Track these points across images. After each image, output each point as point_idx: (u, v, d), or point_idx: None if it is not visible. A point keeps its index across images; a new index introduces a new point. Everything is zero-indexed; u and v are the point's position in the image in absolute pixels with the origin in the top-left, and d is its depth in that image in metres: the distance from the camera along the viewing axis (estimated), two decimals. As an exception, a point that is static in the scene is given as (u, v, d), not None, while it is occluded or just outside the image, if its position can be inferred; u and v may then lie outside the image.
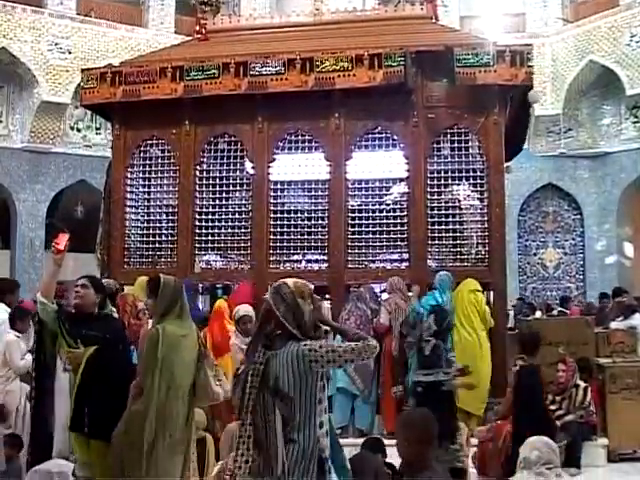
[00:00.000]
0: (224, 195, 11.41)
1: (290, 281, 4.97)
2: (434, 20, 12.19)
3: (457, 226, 10.85)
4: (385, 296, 10.38)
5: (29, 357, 8.60)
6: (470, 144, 10.92)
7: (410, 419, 4.64)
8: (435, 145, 10.93)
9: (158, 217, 11.76)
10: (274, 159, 11.23)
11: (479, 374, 9.73)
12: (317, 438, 4.61)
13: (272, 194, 11.23)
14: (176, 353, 5.85)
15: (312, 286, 5.03)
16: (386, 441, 8.24)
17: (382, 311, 9.93)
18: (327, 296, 10.90)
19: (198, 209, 11.36)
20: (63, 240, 6.73)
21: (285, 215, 11.20)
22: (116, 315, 7.24)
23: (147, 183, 11.77)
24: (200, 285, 11.21)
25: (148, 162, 11.72)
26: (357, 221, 10.93)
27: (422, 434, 4.42)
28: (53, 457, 6.39)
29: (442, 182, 10.86)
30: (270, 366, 4.65)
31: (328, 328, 4.95)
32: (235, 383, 4.85)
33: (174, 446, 5.82)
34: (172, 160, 11.55)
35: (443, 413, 7.60)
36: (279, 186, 11.35)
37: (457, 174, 10.89)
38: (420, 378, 8.36)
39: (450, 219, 10.80)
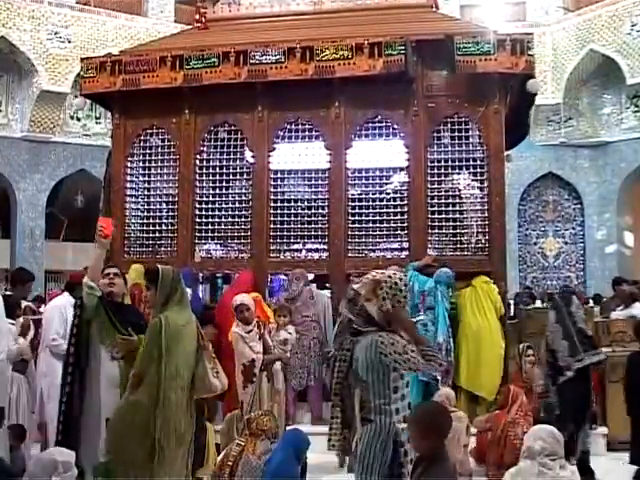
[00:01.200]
0: (224, 184, 11.42)
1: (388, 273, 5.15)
2: (434, 9, 12.17)
3: (457, 215, 10.86)
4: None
5: (22, 341, 8.64)
6: (470, 133, 10.91)
7: (422, 412, 4.66)
8: (435, 134, 10.92)
9: (158, 206, 11.76)
10: (274, 148, 11.22)
11: (492, 359, 9.84)
12: (393, 423, 4.83)
13: (272, 183, 11.23)
14: (177, 343, 5.83)
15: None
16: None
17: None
18: (327, 285, 10.91)
19: (198, 198, 11.36)
20: (109, 225, 6.88)
21: (285, 204, 11.20)
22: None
23: (147, 172, 11.75)
24: (200, 274, 11.21)
25: (148, 151, 11.71)
26: (357, 210, 10.93)
27: (435, 427, 4.44)
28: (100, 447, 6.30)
29: (442, 171, 10.85)
30: (354, 351, 4.96)
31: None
32: (326, 367, 5.25)
33: (179, 438, 5.82)
34: (172, 149, 11.54)
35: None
36: (279, 175, 11.37)
37: (457, 163, 10.88)
38: (587, 360, 8.87)
39: (450, 208, 10.80)
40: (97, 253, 6.84)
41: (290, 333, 8.96)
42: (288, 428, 7.34)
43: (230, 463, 6.86)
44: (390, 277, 5.04)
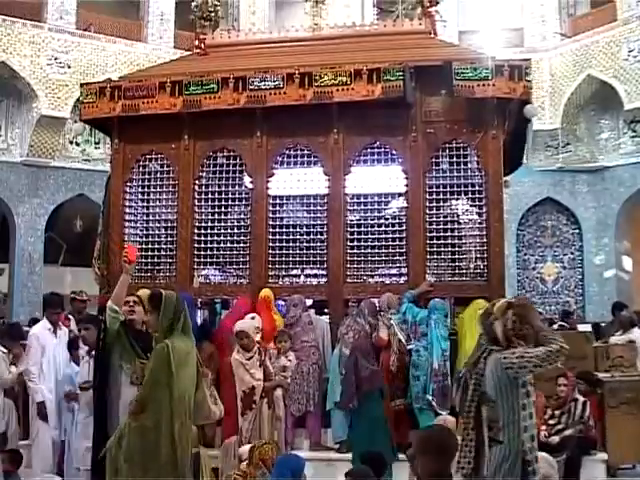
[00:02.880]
0: (223, 210, 11.41)
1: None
2: (433, 35, 12.21)
3: (456, 240, 10.85)
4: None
5: (14, 370, 8.69)
6: (469, 158, 10.93)
7: (428, 435, 4.67)
8: (434, 159, 10.93)
9: (157, 231, 11.75)
10: (273, 174, 11.23)
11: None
12: (522, 441, 4.95)
13: (271, 209, 11.22)
14: (183, 368, 5.86)
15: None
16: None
17: (380, 326, 9.96)
18: (326, 311, 10.90)
19: (197, 223, 11.35)
20: (133, 251, 7.15)
21: (284, 230, 11.19)
22: None
23: (146, 197, 11.76)
24: (199, 299, 11.19)
25: (147, 176, 11.71)
26: (356, 236, 10.92)
27: (442, 449, 4.44)
28: None
29: (441, 197, 10.85)
30: (484, 371, 5.15)
31: None
32: (456, 388, 5.28)
33: (186, 464, 5.87)
34: (171, 175, 11.55)
35: None
36: (278, 201, 11.36)
37: (456, 188, 10.88)
38: None
39: (449, 233, 10.80)
40: (122, 279, 6.92)
41: (290, 360, 8.93)
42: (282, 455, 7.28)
43: None
44: (521, 299, 5.21)
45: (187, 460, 5.85)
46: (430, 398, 9.73)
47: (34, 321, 15.74)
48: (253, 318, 9.32)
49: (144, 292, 8.87)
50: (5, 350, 9.02)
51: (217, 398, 6.20)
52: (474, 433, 5.15)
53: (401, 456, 9.22)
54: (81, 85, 12.14)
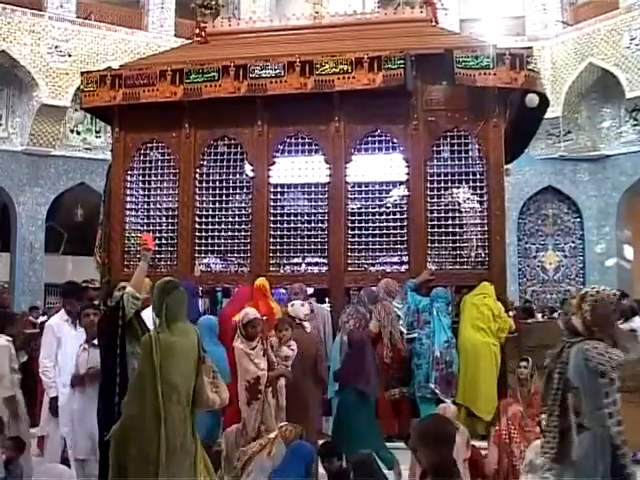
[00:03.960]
0: (224, 198, 11.42)
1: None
2: (434, 23, 12.19)
3: (457, 229, 10.86)
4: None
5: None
6: (470, 147, 10.93)
7: (425, 426, 4.66)
8: (435, 148, 10.93)
9: (158, 220, 11.76)
10: (274, 162, 11.24)
11: (488, 376, 9.84)
12: (608, 427, 5.17)
13: (272, 197, 11.23)
14: (170, 358, 5.80)
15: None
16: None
17: (373, 318, 9.95)
18: (327, 299, 10.91)
19: (198, 212, 11.36)
20: (150, 239, 7.14)
21: (285, 218, 11.20)
22: None
23: (147, 186, 11.77)
24: (200, 288, 11.19)
25: (148, 165, 11.73)
26: (357, 224, 10.93)
27: (441, 439, 4.43)
28: None
29: (442, 185, 10.86)
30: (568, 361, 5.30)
31: None
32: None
33: (183, 451, 5.80)
34: (172, 163, 11.56)
35: None
36: (279, 189, 11.36)
37: (457, 177, 10.89)
38: None
39: (450, 222, 10.81)
40: (141, 266, 6.89)
41: (292, 349, 8.86)
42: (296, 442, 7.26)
43: (246, 458, 6.91)
44: (597, 292, 5.36)
45: (186, 449, 5.83)
46: (433, 386, 9.74)
47: (34, 309, 15.79)
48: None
49: (147, 281, 8.88)
50: (9, 338, 8.94)
51: (219, 386, 6.16)
52: (558, 420, 5.28)
53: (401, 445, 9.25)
54: (82, 74, 12.14)
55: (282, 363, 8.65)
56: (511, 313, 11.83)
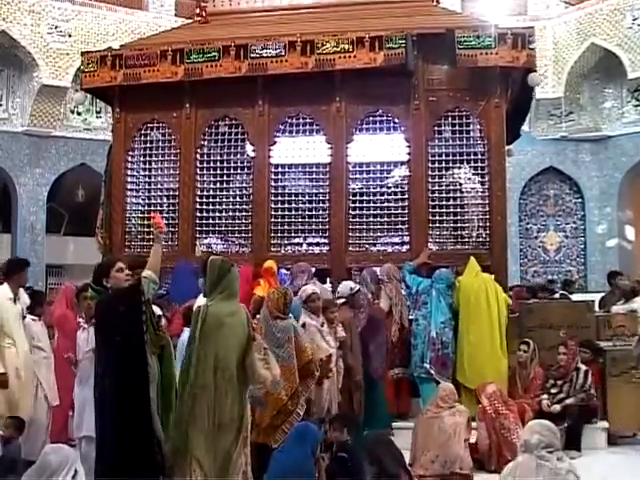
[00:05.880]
0: (225, 178, 11.42)
1: None
2: (435, 2, 12.14)
3: (458, 209, 10.87)
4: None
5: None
6: (471, 127, 10.92)
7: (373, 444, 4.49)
8: (436, 128, 10.94)
9: (159, 200, 11.77)
10: (275, 142, 11.24)
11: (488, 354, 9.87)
12: None
13: (273, 177, 11.24)
14: (216, 331, 5.96)
15: None
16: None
17: (382, 296, 9.96)
18: (328, 279, 10.91)
19: (199, 192, 11.37)
20: (160, 219, 7.07)
21: (286, 198, 11.21)
22: None
23: (148, 166, 11.79)
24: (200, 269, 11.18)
25: (149, 145, 11.74)
26: (358, 204, 10.94)
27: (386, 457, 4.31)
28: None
29: (443, 165, 10.86)
30: None
31: None
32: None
33: (222, 426, 5.92)
34: (173, 143, 11.56)
35: None
36: (280, 169, 11.36)
37: (458, 157, 10.89)
38: None
39: (451, 202, 10.81)
40: (156, 248, 6.89)
41: (342, 329, 8.71)
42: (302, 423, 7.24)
43: None
44: None
45: (226, 423, 5.93)
46: (428, 366, 9.76)
47: (32, 291, 15.74)
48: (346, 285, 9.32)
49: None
50: (35, 317, 8.94)
51: (270, 363, 6.20)
52: None
53: (401, 424, 9.30)
54: (82, 54, 12.12)
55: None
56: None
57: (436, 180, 10.82)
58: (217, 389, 5.89)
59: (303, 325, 8.13)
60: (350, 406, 8.52)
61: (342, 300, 9.35)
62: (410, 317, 10.07)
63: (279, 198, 11.19)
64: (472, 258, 10.23)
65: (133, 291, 6.24)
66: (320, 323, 8.22)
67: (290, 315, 8.02)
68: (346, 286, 9.38)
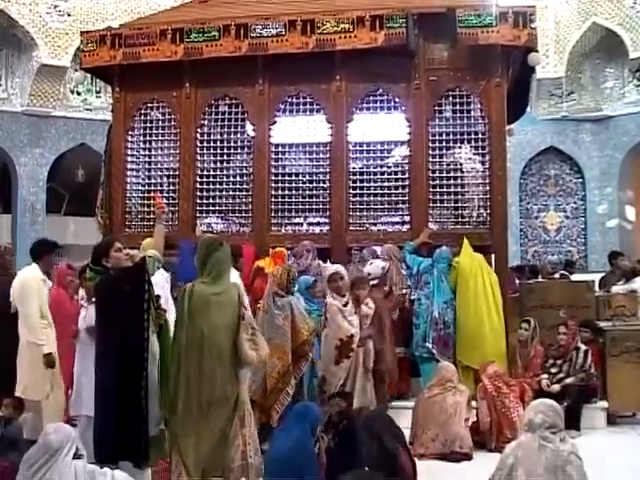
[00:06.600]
0: (225, 158, 11.41)
1: None
2: (436, -19, 12.08)
3: (459, 189, 10.86)
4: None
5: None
6: (472, 106, 10.89)
7: None
8: (437, 107, 10.91)
9: (159, 180, 11.76)
10: (275, 121, 11.22)
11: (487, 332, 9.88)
12: None
13: (273, 157, 11.22)
14: (204, 311, 5.94)
15: None
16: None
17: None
18: (328, 259, 10.91)
19: (199, 172, 11.37)
20: (161, 199, 7.48)
21: (286, 178, 11.19)
22: None
23: (148, 146, 11.75)
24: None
25: (149, 125, 11.71)
26: (358, 184, 10.93)
27: None
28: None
29: (444, 145, 10.84)
30: None
31: None
32: None
33: (213, 404, 5.93)
34: (173, 123, 11.54)
35: None
36: (280, 149, 11.35)
37: (459, 136, 10.87)
38: None
39: (452, 182, 10.81)
40: (159, 228, 6.90)
41: (370, 307, 8.57)
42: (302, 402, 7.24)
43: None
44: None
45: (216, 401, 5.94)
46: (430, 346, 9.78)
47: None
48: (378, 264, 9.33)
49: (148, 241, 8.85)
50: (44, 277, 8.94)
51: (258, 343, 6.18)
52: None
53: (401, 404, 9.32)
54: (81, 33, 12.08)
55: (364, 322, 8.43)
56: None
57: (436, 160, 10.81)
58: (205, 367, 5.88)
59: (325, 305, 8.16)
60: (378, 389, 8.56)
61: (375, 281, 9.39)
62: (412, 297, 10.09)
63: (279, 178, 11.18)
64: (465, 239, 10.24)
65: (138, 270, 6.24)
66: (343, 303, 8.17)
67: (297, 294, 8.08)
68: (377, 266, 9.38)
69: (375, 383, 8.52)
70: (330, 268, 8.42)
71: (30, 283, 8.63)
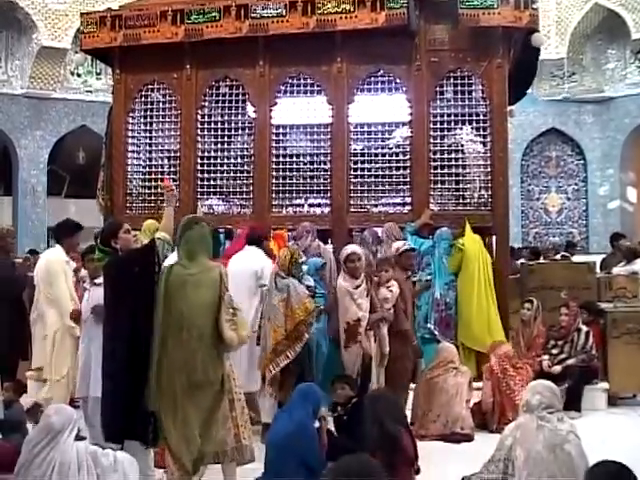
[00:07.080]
0: (226, 139, 11.39)
1: None
2: (437, -39, 12.03)
3: (460, 170, 10.85)
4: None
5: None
6: (473, 88, 10.87)
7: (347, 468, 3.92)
8: (438, 89, 10.89)
9: (160, 162, 11.75)
10: (276, 103, 11.19)
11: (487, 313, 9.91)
12: None
13: (274, 138, 11.20)
14: (181, 291, 5.89)
15: None
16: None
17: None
18: (329, 240, 10.91)
19: (200, 153, 11.35)
20: (169, 182, 7.41)
21: (287, 159, 11.18)
22: None
23: (149, 128, 11.76)
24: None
25: (149, 107, 11.70)
26: (359, 165, 10.92)
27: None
28: None
29: (445, 126, 10.83)
30: None
31: None
32: None
33: (196, 386, 5.87)
34: (173, 104, 11.52)
35: None
36: (281, 130, 11.33)
37: (460, 118, 10.86)
38: None
39: (453, 163, 10.79)
40: (168, 211, 6.89)
41: (391, 290, 8.33)
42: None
43: None
44: None
45: (201, 381, 5.89)
46: (432, 327, 9.80)
47: (33, 252, 15.73)
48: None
49: (150, 223, 8.85)
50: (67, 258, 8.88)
51: (238, 324, 6.12)
52: None
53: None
54: (81, 15, 12.06)
55: (383, 305, 8.29)
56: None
57: (438, 141, 10.80)
58: (185, 348, 5.83)
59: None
60: (403, 373, 8.50)
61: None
62: (414, 278, 10.08)
63: (280, 159, 11.17)
64: (466, 221, 10.24)
65: (147, 252, 6.23)
66: (356, 285, 8.05)
67: (305, 276, 8.09)
68: (404, 244, 9.25)
69: (401, 368, 8.44)
70: (348, 249, 8.28)
71: (55, 267, 8.60)
